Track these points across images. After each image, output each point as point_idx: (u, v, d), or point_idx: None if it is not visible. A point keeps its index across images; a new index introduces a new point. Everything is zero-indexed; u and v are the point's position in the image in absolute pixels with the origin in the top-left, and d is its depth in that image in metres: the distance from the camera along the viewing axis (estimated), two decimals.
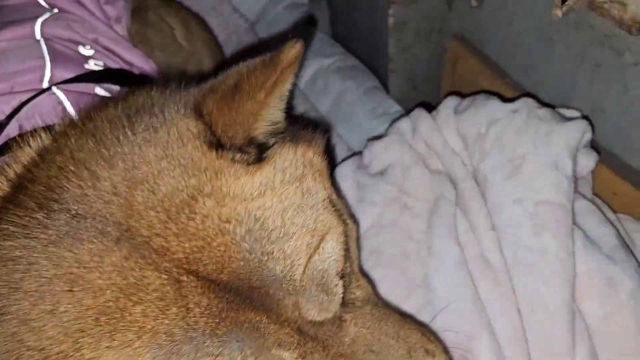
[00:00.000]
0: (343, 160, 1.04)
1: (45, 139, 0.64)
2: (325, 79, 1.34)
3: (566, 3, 0.82)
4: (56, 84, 0.81)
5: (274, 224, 0.55)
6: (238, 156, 0.58)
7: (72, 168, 0.55)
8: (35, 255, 0.51)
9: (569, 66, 0.94)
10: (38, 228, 0.52)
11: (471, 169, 0.92)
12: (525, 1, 0.96)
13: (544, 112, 0.90)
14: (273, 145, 0.63)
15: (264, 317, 0.53)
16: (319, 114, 1.28)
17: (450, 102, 0.98)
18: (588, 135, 0.88)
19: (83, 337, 0.49)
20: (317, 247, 0.56)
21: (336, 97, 1.31)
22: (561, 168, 0.84)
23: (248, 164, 0.58)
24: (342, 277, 0.58)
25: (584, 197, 0.88)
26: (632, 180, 0.92)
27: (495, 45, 1.10)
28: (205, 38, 1.16)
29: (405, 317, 0.66)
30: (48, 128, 0.66)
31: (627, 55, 0.83)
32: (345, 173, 0.98)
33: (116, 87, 0.86)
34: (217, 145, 0.58)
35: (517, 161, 0.86)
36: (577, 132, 0.86)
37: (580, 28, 0.87)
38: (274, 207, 0.55)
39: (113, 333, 0.49)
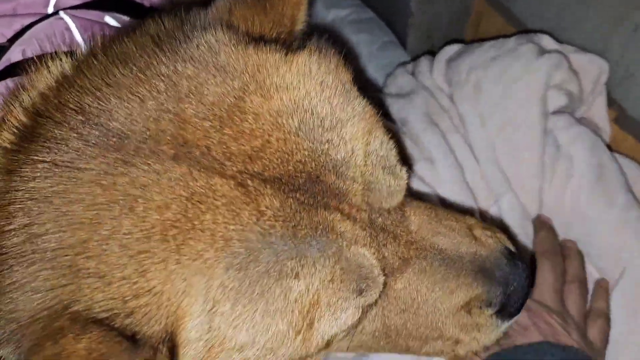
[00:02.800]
0: None
1: (66, 64, 0.58)
2: (340, 31, 1.29)
3: None
4: (63, 9, 0.75)
5: (324, 112, 0.54)
6: (275, 47, 0.56)
7: (108, 91, 0.51)
8: (83, 186, 0.48)
9: (602, 29, 0.89)
10: (82, 159, 0.49)
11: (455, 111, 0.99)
12: None
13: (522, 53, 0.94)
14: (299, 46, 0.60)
15: (337, 214, 0.51)
16: None
17: (447, 50, 1.05)
18: (562, 69, 0.91)
19: (148, 258, 0.46)
20: (372, 133, 0.56)
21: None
22: (532, 113, 0.90)
23: (285, 54, 0.56)
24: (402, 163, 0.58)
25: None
26: None
27: (524, 3, 1.05)
28: None
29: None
30: (70, 53, 0.61)
31: None
32: None
33: (126, 18, 0.81)
34: (253, 41, 0.56)
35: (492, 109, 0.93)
36: (545, 74, 0.91)
37: None
38: (318, 95, 0.54)
39: (181, 247, 0.46)
